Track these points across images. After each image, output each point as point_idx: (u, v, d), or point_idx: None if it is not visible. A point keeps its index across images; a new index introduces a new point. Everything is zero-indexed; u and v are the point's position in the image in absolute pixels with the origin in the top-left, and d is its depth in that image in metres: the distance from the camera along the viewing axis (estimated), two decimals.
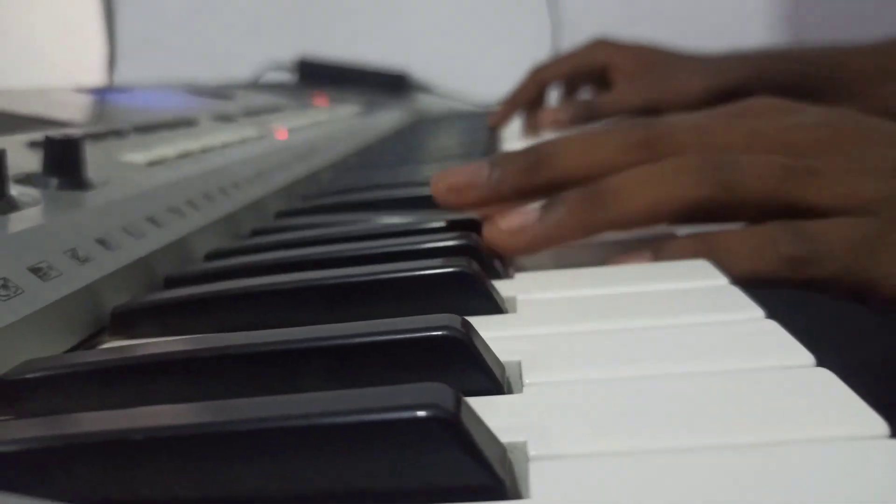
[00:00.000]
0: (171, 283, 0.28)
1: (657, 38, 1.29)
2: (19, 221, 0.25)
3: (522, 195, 0.29)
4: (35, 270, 0.22)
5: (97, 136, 0.42)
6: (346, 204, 0.39)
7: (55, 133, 0.30)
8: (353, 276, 0.23)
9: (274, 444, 0.14)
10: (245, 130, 0.53)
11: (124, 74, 1.35)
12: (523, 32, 1.29)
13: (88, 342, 0.23)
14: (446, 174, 0.30)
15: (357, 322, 0.19)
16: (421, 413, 0.13)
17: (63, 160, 0.30)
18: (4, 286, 0.21)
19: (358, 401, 0.14)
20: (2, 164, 0.26)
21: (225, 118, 0.59)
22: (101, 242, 0.26)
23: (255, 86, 1.12)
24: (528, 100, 0.76)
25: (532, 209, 0.28)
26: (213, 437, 0.14)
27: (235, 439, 0.14)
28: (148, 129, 0.47)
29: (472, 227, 0.30)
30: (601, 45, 0.74)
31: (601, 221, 0.27)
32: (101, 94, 0.64)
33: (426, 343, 0.18)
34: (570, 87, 0.80)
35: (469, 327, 0.18)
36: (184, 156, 0.41)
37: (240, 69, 1.32)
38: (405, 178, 0.48)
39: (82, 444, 0.14)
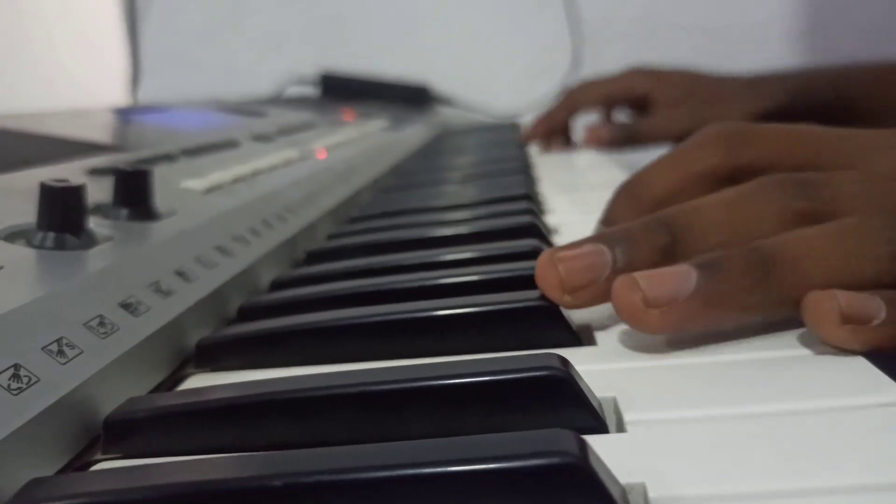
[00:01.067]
0: (244, 314, 0.28)
1: (676, 51, 1.30)
2: (102, 256, 0.25)
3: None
4: (126, 306, 0.23)
5: (149, 162, 0.42)
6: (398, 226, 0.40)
7: (125, 164, 0.31)
8: (434, 309, 0.24)
9: (399, 494, 0.14)
10: (287, 152, 0.54)
11: (147, 91, 1.36)
12: (543, 45, 1.30)
13: (174, 375, 0.24)
14: (558, 258, 0.23)
15: (455, 361, 0.19)
16: (551, 460, 0.14)
17: (134, 191, 0.30)
18: (101, 323, 0.21)
19: (483, 448, 0.14)
20: (82, 200, 0.26)
21: (263, 138, 0.60)
22: (180, 274, 0.27)
23: (279, 101, 1.13)
24: (560, 122, 0.77)
25: (682, 272, 0.22)
26: (332, 485, 0.14)
27: (359, 488, 0.14)
28: (195, 152, 0.48)
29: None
30: (640, 74, 0.75)
31: (776, 299, 0.21)
32: (138, 115, 0.65)
33: (530, 383, 0.18)
34: (606, 109, 0.81)
35: (568, 364, 0.19)
36: (237, 181, 0.41)
37: (262, 84, 1.33)
38: (448, 199, 0.48)
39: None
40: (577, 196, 0.53)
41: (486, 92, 1.31)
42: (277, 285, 0.31)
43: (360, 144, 0.69)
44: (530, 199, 0.45)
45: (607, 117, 0.81)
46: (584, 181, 0.62)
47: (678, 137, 0.67)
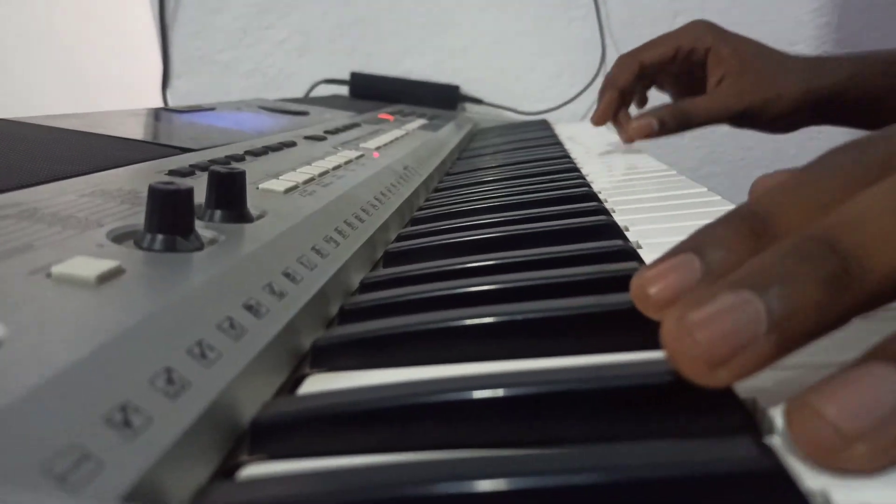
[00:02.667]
0: (346, 315, 0.28)
1: None
2: (216, 258, 0.25)
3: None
4: (248, 308, 0.23)
5: (220, 163, 0.42)
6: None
7: (219, 167, 0.31)
8: (554, 309, 0.23)
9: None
10: (346, 152, 0.54)
11: (178, 92, 1.37)
12: (572, 43, 1.29)
13: (292, 376, 0.24)
14: (647, 278, 0.20)
15: (611, 364, 0.19)
16: (757, 465, 0.13)
17: (229, 193, 0.30)
18: (231, 325, 0.21)
19: (680, 453, 0.14)
20: (191, 202, 0.26)
21: (316, 138, 0.60)
22: (287, 276, 0.27)
23: (312, 101, 1.13)
24: (627, 83, 0.70)
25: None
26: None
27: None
28: (259, 153, 0.48)
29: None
30: (707, 26, 0.69)
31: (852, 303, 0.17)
32: (188, 116, 0.65)
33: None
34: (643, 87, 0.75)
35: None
36: (308, 181, 0.41)
37: (291, 85, 1.34)
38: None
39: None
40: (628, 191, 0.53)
41: (515, 91, 1.31)
42: (369, 286, 0.31)
43: (406, 144, 0.69)
44: (596, 199, 0.45)
45: (641, 100, 0.76)
46: (630, 176, 0.61)
47: (734, 116, 0.66)
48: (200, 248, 0.26)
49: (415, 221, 0.45)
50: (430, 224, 0.43)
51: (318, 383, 0.23)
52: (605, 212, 0.39)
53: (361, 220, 0.38)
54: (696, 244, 0.20)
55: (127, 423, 0.15)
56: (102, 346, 0.17)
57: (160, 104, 1.43)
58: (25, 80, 1.54)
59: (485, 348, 0.24)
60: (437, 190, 0.58)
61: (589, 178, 0.54)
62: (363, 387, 0.19)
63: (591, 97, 1.28)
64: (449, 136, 0.89)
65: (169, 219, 0.25)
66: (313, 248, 0.30)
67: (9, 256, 0.22)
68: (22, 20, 1.51)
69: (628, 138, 0.69)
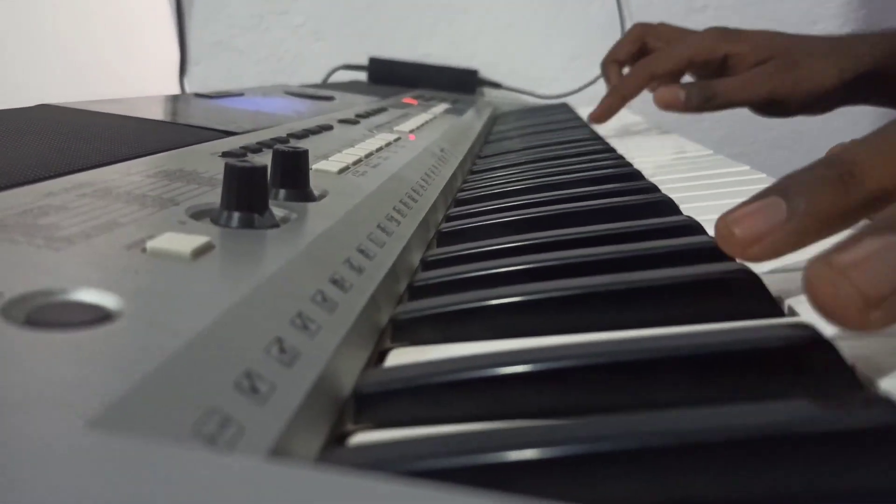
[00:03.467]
0: (416, 291, 0.28)
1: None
2: (296, 235, 0.25)
3: (831, 228, 0.22)
4: (335, 282, 0.23)
5: (267, 145, 0.43)
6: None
7: (282, 146, 0.31)
8: (635, 280, 0.24)
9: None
10: (384, 134, 0.54)
11: (195, 79, 1.37)
12: (589, 25, 1.29)
13: (376, 349, 0.24)
14: (733, 219, 0.22)
15: (703, 327, 0.19)
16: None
17: (295, 172, 0.30)
18: (324, 299, 0.22)
19: (817, 411, 0.14)
20: (266, 180, 0.26)
21: (350, 122, 0.60)
22: (362, 252, 0.27)
23: (332, 86, 1.13)
24: (634, 93, 0.72)
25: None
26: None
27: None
28: (300, 135, 0.48)
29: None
30: (721, 34, 0.69)
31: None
32: (221, 100, 0.65)
33: (788, 345, 0.18)
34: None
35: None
36: (357, 162, 0.41)
37: (308, 70, 1.34)
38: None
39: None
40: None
41: (532, 75, 1.31)
42: (432, 263, 0.32)
43: (437, 127, 0.69)
44: (642, 177, 0.45)
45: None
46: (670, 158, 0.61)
47: (762, 99, 0.66)
48: (276, 225, 0.26)
49: (459, 202, 0.45)
50: (477, 204, 0.43)
51: (403, 356, 0.23)
52: (657, 189, 0.39)
53: (414, 200, 0.38)
54: (782, 188, 0.22)
55: (254, 390, 0.16)
56: (219, 316, 0.17)
57: (177, 91, 1.43)
58: (40, 67, 1.54)
59: (565, 320, 0.24)
60: (472, 172, 0.58)
61: (627, 159, 0.54)
62: (464, 356, 0.20)
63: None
64: (473, 119, 0.89)
65: (246, 196, 0.26)
66: (378, 227, 0.30)
67: (101, 232, 0.22)
68: (36, 7, 1.51)
69: (656, 102, 0.67)
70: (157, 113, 0.51)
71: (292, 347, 0.18)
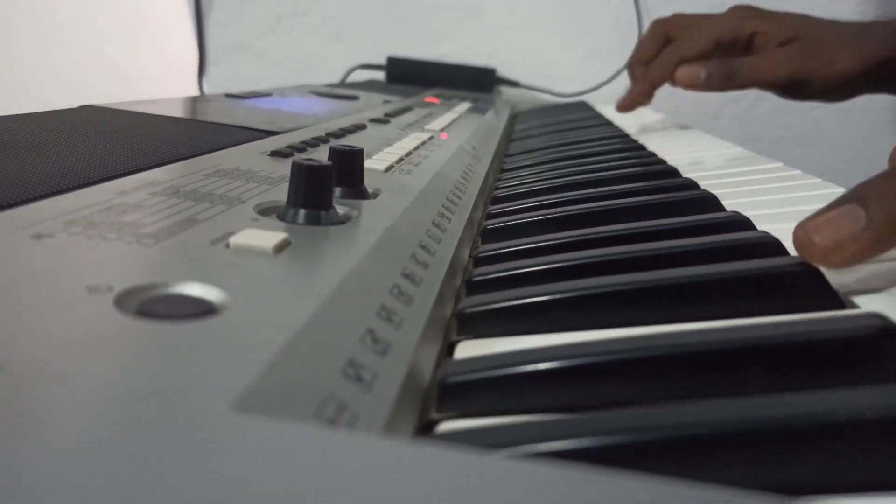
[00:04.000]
0: (474, 286, 0.29)
1: None
2: (364, 231, 0.26)
3: None
4: (406, 276, 0.24)
5: (311, 144, 0.43)
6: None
7: (339, 144, 0.32)
8: (700, 275, 0.24)
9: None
10: (416, 133, 0.55)
11: (213, 80, 1.38)
12: (606, 23, 1.29)
13: (444, 341, 0.25)
14: (813, 226, 0.24)
15: (773, 319, 0.20)
16: None
17: (351, 170, 0.31)
18: (400, 293, 0.22)
19: None
20: (332, 178, 0.27)
21: (381, 121, 0.61)
22: (424, 248, 0.27)
23: (352, 86, 1.14)
24: (663, 80, 0.69)
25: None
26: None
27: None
28: (337, 135, 0.49)
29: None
30: (747, 12, 0.68)
31: None
32: (252, 101, 0.66)
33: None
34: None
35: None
36: (399, 161, 0.42)
37: (326, 70, 1.34)
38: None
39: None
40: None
41: (550, 73, 1.31)
42: (483, 260, 0.32)
43: (464, 126, 0.70)
44: (679, 174, 0.46)
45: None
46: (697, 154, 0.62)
47: (784, 80, 0.65)
48: (342, 221, 0.27)
49: (497, 200, 0.46)
50: (516, 202, 0.43)
51: (471, 348, 0.24)
52: (697, 185, 0.40)
53: (458, 198, 0.39)
54: (860, 196, 0.23)
55: (359, 378, 0.16)
56: (316, 309, 0.18)
57: (195, 92, 1.44)
58: (56, 68, 1.55)
59: (627, 314, 0.24)
60: (503, 170, 0.58)
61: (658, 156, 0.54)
62: (546, 346, 0.20)
63: (626, 78, 1.28)
64: (496, 118, 0.89)
65: (314, 194, 0.26)
66: (433, 224, 0.31)
67: (182, 229, 0.23)
68: (53, 7, 1.53)
69: (674, 82, 0.67)
70: (197, 113, 0.52)
71: (383, 338, 0.19)
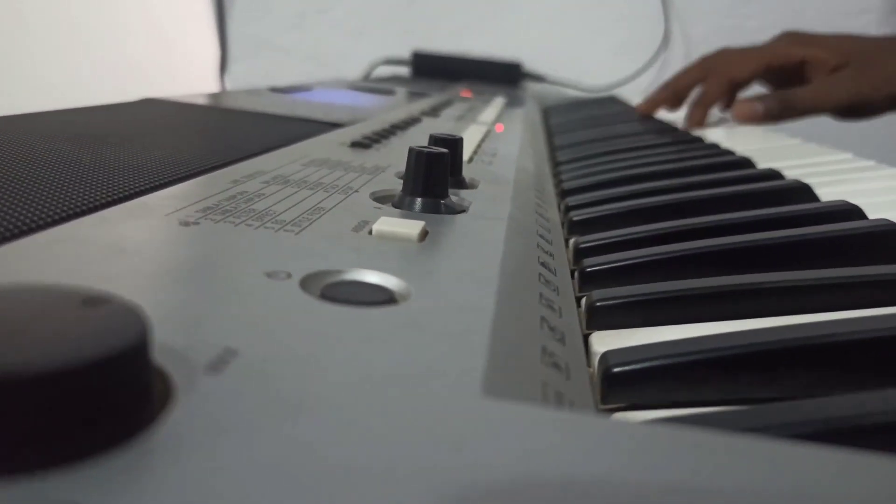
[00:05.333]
0: (588, 276, 0.28)
1: (768, 20, 1.27)
2: (491, 219, 0.25)
3: None
4: (543, 265, 0.23)
5: (380, 134, 0.43)
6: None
7: (438, 134, 0.31)
8: (848, 276, 0.24)
9: None
10: (473, 126, 0.54)
11: (235, 77, 1.37)
12: (632, 18, 1.28)
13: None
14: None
15: None
16: None
17: (454, 159, 0.31)
18: (547, 282, 0.22)
19: None
20: (448, 165, 0.26)
21: (432, 114, 0.60)
22: (542, 237, 0.27)
23: (378, 79, 1.13)
24: (717, 101, 0.71)
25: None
26: None
27: None
28: (401, 126, 0.49)
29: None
30: (795, 38, 0.69)
31: None
32: (303, 94, 0.65)
33: None
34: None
35: None
36: (475, 152, 0.41)
37: (348, 66, 1.34)
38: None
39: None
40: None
41: (575, 68, 1.31)
42: (589, 250, 0.32)
43: (511, 119, 0.69)
44: (754, 164, 0.45)
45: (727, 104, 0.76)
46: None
47: (843, 106, 0.65)
48: (461, 209, 0.26)
49: (568, 192, 0.45)
50: (592, 193, 0.43)
51: (608, 340, 0.23)
52: (780, 175, 0.39)
53: (543, 189, 0.38)
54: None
55: (556, 366, 0.16)
56: (496, 296, 0.17)
57: (216, 89, 1.44)
58: (75, 65, 1.55)
59: (763, 305, 0.24)
60: (559, 162, 0.58)
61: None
62: (718, 334, 0.20)
63: (653, 73, 1.27)
64: (532, 112, 0.89)
65: (432, 181, 0.26)
66: (537, 213, 0.31)
67: (316, 216, 0.22)
68: (71, 4, 1.52)
69: (735, 117, 0.68)
70: (255, 106, 0.51)
71: (556, 326, 0.18)
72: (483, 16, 1.32)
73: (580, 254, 0.32)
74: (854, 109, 0.65)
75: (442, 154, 0.26)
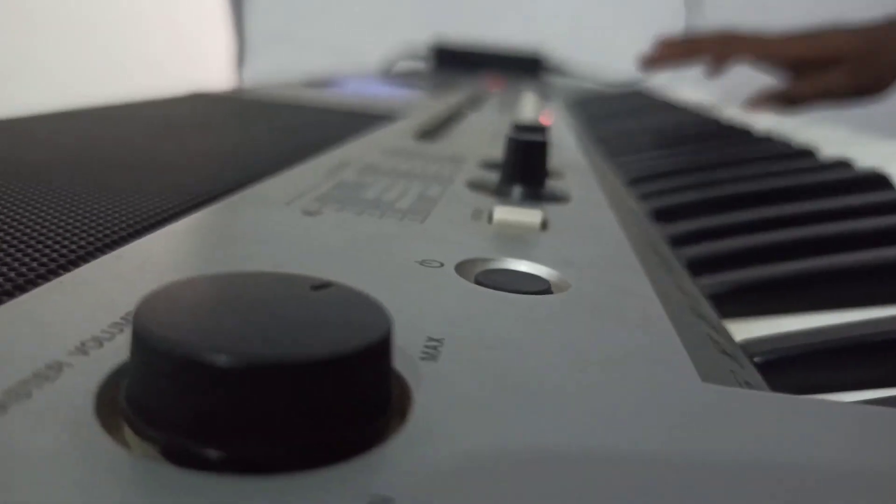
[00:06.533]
0: (697, 264, 0.28)
1: (790, 12, 1.26)
2: (595, 208, 0.25)
3: None
4: (656, 253, 0.23)
5: (441, 126, 0.42)
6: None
7: (521, 123, 0.31)
8: None
9: None
10: (524, 118, 0.54)
11: (254, 70, 1.37)
12: (654, 9, 1.28)
13: None
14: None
15: None
16: None
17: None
18: (670, 268, 0.21)
19: None
20: (546, 152, 0.26)
21: (474, 108, 0.60)
22: (624, 228, 0.26)
23: (404, 72, 1.13)
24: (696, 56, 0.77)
25: None
26: None
27: None
28: (454, 118, 0.48)
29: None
30: (844, 39, 0.71)
31: None
32: (341, 87, 0.65)
33: None
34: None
35: None
36: (556, 145, 0.41)
37: (369, 58, 1.33)
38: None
39: None
40: None
41: (598, 60, 1.30)
42: (681, 239, 0.31)
43: (549, 111, 0.69)
44: (815, 154, 0.44)
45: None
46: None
47: (850, 95, 0.66)
48: (562, 198, 0.26)
49: (636, 182, 0.44)
50: (660, 182, 0.42)
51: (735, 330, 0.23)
52: (852, 164, 0.39)
53: (607, 178, 0.38)
54: None
55: (726, 353, 0.15)
56: (653, 284, 0.17)
57: (232, 84, 1.43)
58: (87, 60, 1.54)
59: (877, 292, 0.23)
60: (614, 154, 0.57)
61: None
62: (874, 320, 0.19)
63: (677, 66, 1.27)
64: (562, 105, 0.88)
65: (532, 169, 0.25)
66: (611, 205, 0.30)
67: (430, 205, 0.22)
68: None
69: (755, 104, 0.70)
70: (299, 100, 0.51)
71: (705, 314, 0.18)
72: (505, 8, 1.31)
73: (672, 243, 0.31)
74: (860, 95, 0.66)
75: (542, 143, 0.25)
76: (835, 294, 0.23)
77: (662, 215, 0.36)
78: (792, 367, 0.18)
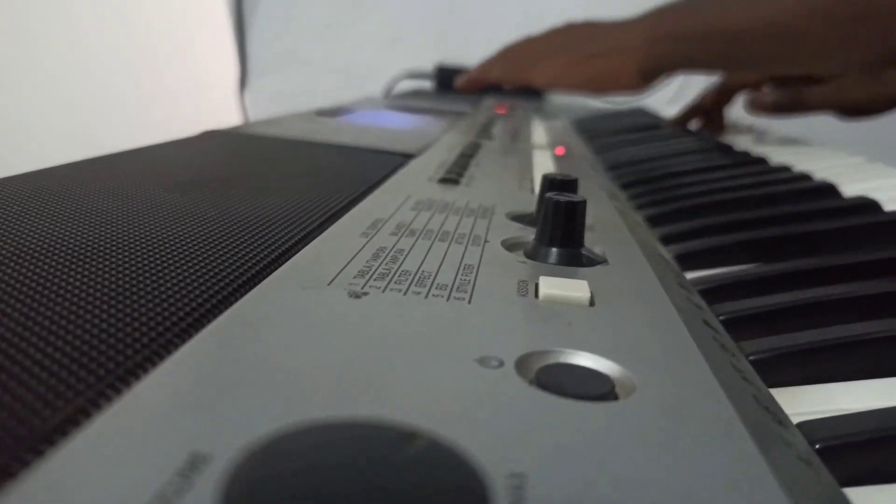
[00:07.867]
0: (732, 323, 0.27)
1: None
2: (636, 271, 0.24)
3: None
4: (697, 307, 0.22)
5: (459, 166, 0.42)
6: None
7: (550, 174, 0.30)
8: None
9: None
10: (537, 151, 0.53)
11: (259, 92, 1.37)
12: None
13: None
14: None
15: None
16: None
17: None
18: (718, 333, 0.21)
19: None
20: (584, 213, 0.25)
21: (487, 138, 0.60)
22: (679, 284, 0.26)
23: (405, 95, 1.12)
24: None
25: None
26: None
27: None
28: (468, 155, 0.48)
29: None
30: None
31: None
32: (351, 118, 0.65)
33: None
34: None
35: None
36: None
37: (373, 79, 1.33)
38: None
39: None
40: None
41: None
42: (710, 293, 0.30)
43: (560, 139, 0.68)
44: (837, 192, 0.44)
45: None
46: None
47: (850, 107, 0.66)
48: (601, 261, 0.25)
49: (655, 220, 0.44)
50: (679, 223, 0.41)
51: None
52: (879, 206, 0.38)
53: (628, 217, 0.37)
54: None
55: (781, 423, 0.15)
56: (715, 373, 0.16)
57: (236, 106, 1.42)
58: (85, 81, 1.53)
59: None
60: (626, 185, 0.57)
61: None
62: None
63: (676, 84, 1.27)
64: (567, 127, 0.88)
65: (570, 231, 0.25)
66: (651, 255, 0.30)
67: (469, 275, 0.21)
68: (79, 20, 1.51)
69: (750, 107, 0.71)
70: (316, 135, 0.50)
71: (761, 394, 0.17)
72: (506, 29, 1.31)
73: (705, 295, 0.31)
74: (859, 112, 0.66)
75: (582, 202, 0.25)
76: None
77: (685, 260, 0.35)
78: (845, 455, 0.18)
